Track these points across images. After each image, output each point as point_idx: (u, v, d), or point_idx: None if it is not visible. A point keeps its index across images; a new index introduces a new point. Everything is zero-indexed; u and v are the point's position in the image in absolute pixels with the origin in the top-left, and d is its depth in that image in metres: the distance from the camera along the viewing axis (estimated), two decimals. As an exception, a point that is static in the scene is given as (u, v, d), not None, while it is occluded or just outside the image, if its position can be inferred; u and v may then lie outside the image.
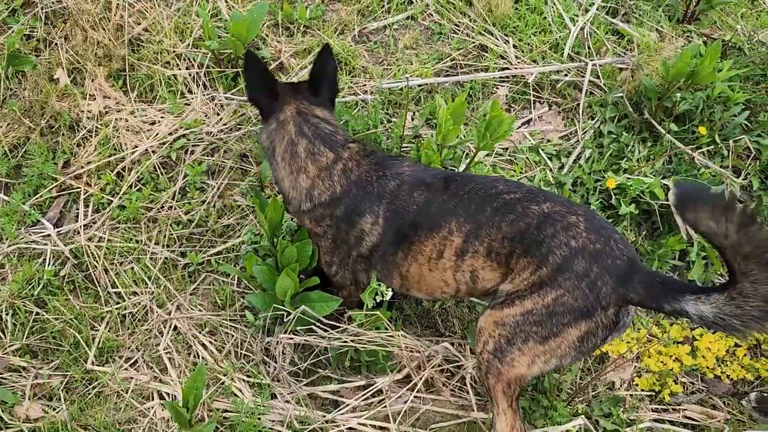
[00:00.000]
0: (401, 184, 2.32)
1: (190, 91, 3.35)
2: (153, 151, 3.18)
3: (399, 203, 2.30)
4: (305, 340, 2.47)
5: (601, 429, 2.62)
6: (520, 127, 3.51)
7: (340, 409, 2.52)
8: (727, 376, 2.93)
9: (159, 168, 3.17)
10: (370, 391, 2.55)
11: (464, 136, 3.26)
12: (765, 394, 2.83)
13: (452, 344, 2.71)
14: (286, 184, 2.46)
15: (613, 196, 3.20)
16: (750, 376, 2.92)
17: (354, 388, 2.60)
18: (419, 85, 3.46)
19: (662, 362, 2.88)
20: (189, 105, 3.30)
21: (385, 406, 2.50)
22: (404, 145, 3.24)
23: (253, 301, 2.54)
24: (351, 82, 3.47)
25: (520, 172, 3.30)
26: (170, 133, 3.20)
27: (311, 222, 2.45)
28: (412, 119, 3.41)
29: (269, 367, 2.66)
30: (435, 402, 2.59)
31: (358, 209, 2.32)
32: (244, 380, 2.61)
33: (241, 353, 2.72)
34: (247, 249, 2.89)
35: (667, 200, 3.17)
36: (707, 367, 2.92)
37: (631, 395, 2.83)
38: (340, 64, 3.53)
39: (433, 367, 2.62)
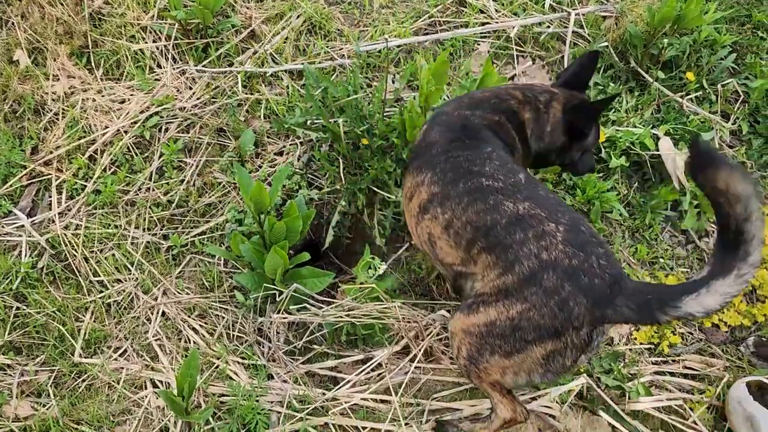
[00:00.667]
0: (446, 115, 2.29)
1: (158, 66, 3.20)
2: (125, 131, 3.04)
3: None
4: (299, 318, 2.40)
5: (603, 386, 2.59)
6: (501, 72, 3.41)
7: (340, 386, 2.47)
8: (725, 324, 2.92)
9: (133, 148, 3.03)
10: (369, 366, 2.49)
11: (448, 97, 3.15)
12: (763, 338, 2.83)
13: (448, 311, 2.65)
14: None
15: (603, 149, 3.13)
16: (747, 322, 2.91)
17: (352, 363, 2.55)
18: (398, 46, 3.33)
19: (660, 314, 2.86)
20: (159, 80, 3.15)
21: (385, 379, 2.45)
22: (387, 108, 3.13)
23: (242, 281, 2.45)
24: (327, 47, 3.32)
25: (507, 131, 3.21)
26: (142, 111, 3.06)
27: None
28: (393, 82, 3.29)
29: (263, 347, 2.60)
30: (435, 371, 2.55)
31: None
32: (238, 362, 2.54)
33: (233, 335, 2.65)
34: (232, 228, 2.79)
35: (657, 150, 3.12)
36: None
37: (630, 349, 2.81)
38: (313, 28, 3.39)
39: (431, 336, 2.56)
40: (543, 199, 1.97)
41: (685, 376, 2.78)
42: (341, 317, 2.41)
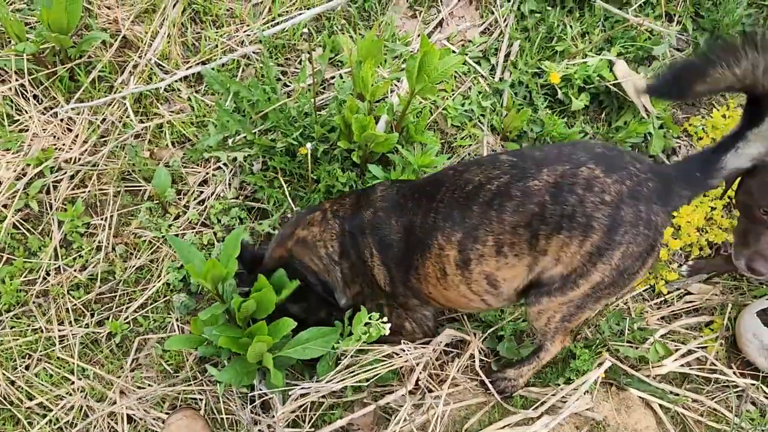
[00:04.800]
0: (375, 213, 2.11)
1: (19, 111, 2.51)
2: (3, 207, 2.41)
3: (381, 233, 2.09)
4: (300, 393, 2.06)
5: (623, 357, 2.46)
6: (432, 33, 2.97)
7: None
8: (709, 244, 2.83)
9: (21, 226, 2.43)
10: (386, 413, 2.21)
11: (387, 76, 2.69)
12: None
13: (457, 329, 2.39)
14: None
15: (559, 90, 2.83)
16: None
17: (364, 416, 2.26)
18: (308, 22, 2.78)
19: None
20: (27, 130, 2.48)
21: (408, 426, 2.19)
22: (319, 99, 2.65)
23: (224, 379, 2.04)
24: (221, 36, 2.73)
25: (452, 91, 2.82)
26: (18, 178, 2.42)
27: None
28: (310, 62, 2.77)
29: (261, 425, 2.24)
30: (453, 396, 2.31)
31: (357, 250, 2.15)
32: (239, 455, 2.19)
33: (220, 419, 2.27)
34: (182, 300, 2.33)
35: (616, 79, 2.85)
36: (693, 244, 2.80)
37: (631, 297, 2.69)
38: (197, 16, 2.76)
39: (441, 361, 2.31)
40: (552, 157, 1.90)
41: (688, 312, 2.71)
42: (344, 379, 2.08)
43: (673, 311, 2.69)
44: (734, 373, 2.51)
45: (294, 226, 2.24)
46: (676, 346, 2.55)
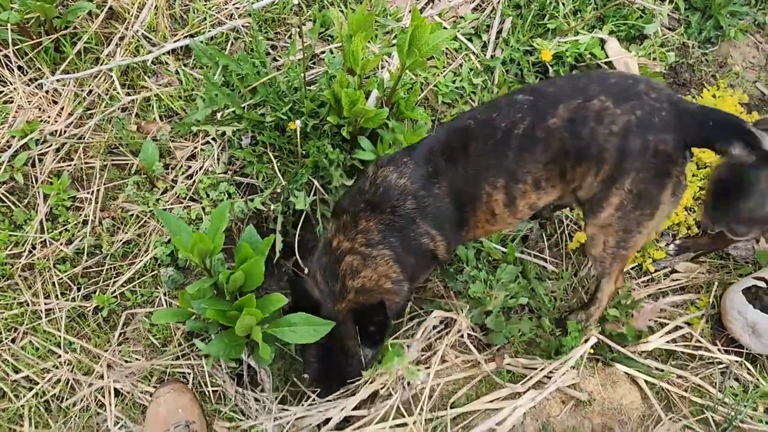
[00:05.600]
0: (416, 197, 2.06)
1: (4, 83, 2.47)
2: (-12, 179, 2.38)
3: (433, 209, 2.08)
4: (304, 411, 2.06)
5: (608, 333, 2.48)
6: (424, 9, 2.95)
7: (350, 423, 2.20)
8: (697, 224, 2.84)
9: (7, 198, 2.40)
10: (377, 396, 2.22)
11: (378, 52, 2.67)
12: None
13: (448, 309, 2.40)
14: None
15: (551, 68, 2.82)
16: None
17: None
18: (297, -8, 2.75)
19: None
20: (11, 102, 2.45)
21: (395, 401, 2.19)
22: (309, 74, 2.63)
23: (211, 352, 2.04)
24: (210, 9, 2.69)
25: (443, 68, 2.80)
26: (2, 150, 2.39)
27: None
28: (300, 36, 2.74)
29: (248, 399, 2.25)
30: (441, 372, 2.32)
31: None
32: (227, 428, 2.19)
33: (209, 393, 2.27)
34: (170, 274, 2.32)
35: (607, 57, 2.85)
36: (681, 224, 2.81)
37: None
38: (186, -13, 2.72)
39: (429, 341, 2.32)
40: (566, 91, 1.96)
41: (675, 290, 2.73)
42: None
43: (660, 289, 2.71)
44: (719, 350, 2.54)
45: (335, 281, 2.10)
46: (662, 322, 2.58)
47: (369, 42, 2.69)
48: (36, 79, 2.48)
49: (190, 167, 2.53)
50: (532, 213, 2.20)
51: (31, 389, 2.23)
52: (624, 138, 1.89)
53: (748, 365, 2.49)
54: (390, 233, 2.06)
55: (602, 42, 2.86)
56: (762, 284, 2.51)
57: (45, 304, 2.32)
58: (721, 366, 2.49)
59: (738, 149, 1.86)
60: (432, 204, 2.06)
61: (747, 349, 2.51)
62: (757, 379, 2.45)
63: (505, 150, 1.99)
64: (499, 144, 1.99)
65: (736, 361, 2.50)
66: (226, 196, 2.50)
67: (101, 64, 2.52)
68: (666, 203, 2.00)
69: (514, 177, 2.01)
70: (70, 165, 2.45)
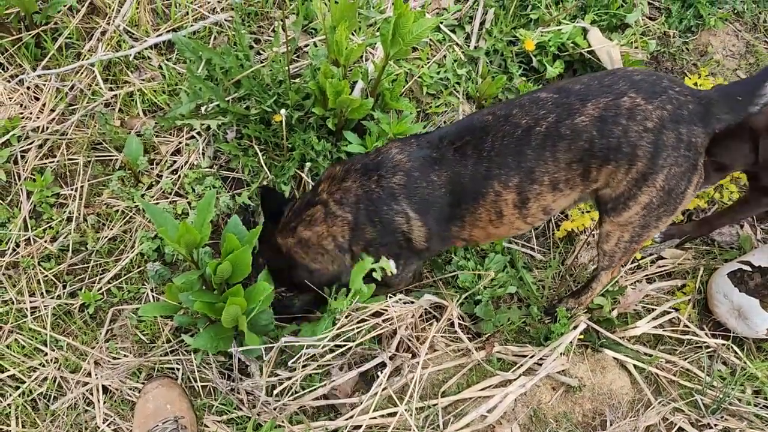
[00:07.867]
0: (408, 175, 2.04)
1: (-17, 79, 2.45)
2: (-30, 177, 2.35)
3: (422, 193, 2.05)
4: (289, 374, 2.06)
5: (595, 319, 2.49)
6: (407, 0, 2.95)
7: (341, 413, 2.19)
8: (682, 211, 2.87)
9: (-11, 196, 2.38)
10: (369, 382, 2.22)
11: (363, 40, 2.66)
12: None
13: (439, 295, 2.40)
14: None
15: (534, 58, 2.83)
16: (702, 203, 2.88)
17: (347, 382, 2.25)
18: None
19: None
20: (-9, 99, 2.42)
21: (386, 390, 2.19)
22: (293, 67, 2.62)
23: (198, 344, 2.03)
24: (192, 4, 2.68)
25: (427, 59, 2.81)
26: (-17, 147, 2.36)
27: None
28: (284, 29, 2.73)
29: (239, 392, 2.23)
30: (432, 361, 2.32)
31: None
32: (218, 421, 2.18)
33: (199, 387, 2.26)
34: (156, 269, 2.30)
35: (590, 46, 2.86)
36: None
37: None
38: (168, -18, 2.70)
39: (421, 319, 2.32)
40: (594, 89, 1.93)
41: (661, 276, 2.75)
42: (333, 343, 2.09)
43: (646, 275, 2.73)
44: (706, 334, 2.56)
45: (297, 218, 2.18)
46: (650, 308, 2.60)
47: (353, 34, 2.69)
48: (17, 75, 2.45)
49: (175, 162, 2.52)
50: (546, 219, 2.15)
51: (17, 388, 2.20)
52: (658, 133, 1.88)
53: (735, 348, 2.51)
54: (363, 200, 2.07)
55: (584, 31, 2.87)
56: (747, 268, 2.54)
57: (30, 302, 2.30)
58: (708, 350, 2.52)
59: None
60: (423, 188, 2.04)
61: (734, 333, 2.54)
62: (744, 362, 2.48)
63: (525, 148, 1.95)
64: (519, 141, 1.95)
65: (723, 345, 2.53)
66: (213, 190, 2.48)
67: (83, 59, 2.50)
68: (689, 197, 2.03)
69: (530, 176, 1.97)
70: (53, 161, 2.43)
